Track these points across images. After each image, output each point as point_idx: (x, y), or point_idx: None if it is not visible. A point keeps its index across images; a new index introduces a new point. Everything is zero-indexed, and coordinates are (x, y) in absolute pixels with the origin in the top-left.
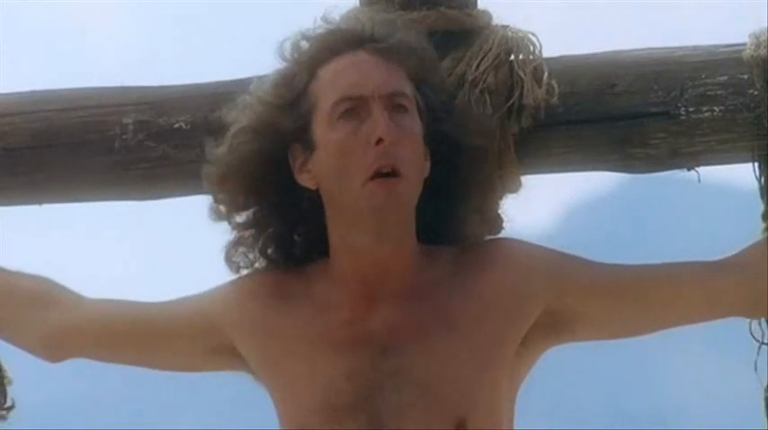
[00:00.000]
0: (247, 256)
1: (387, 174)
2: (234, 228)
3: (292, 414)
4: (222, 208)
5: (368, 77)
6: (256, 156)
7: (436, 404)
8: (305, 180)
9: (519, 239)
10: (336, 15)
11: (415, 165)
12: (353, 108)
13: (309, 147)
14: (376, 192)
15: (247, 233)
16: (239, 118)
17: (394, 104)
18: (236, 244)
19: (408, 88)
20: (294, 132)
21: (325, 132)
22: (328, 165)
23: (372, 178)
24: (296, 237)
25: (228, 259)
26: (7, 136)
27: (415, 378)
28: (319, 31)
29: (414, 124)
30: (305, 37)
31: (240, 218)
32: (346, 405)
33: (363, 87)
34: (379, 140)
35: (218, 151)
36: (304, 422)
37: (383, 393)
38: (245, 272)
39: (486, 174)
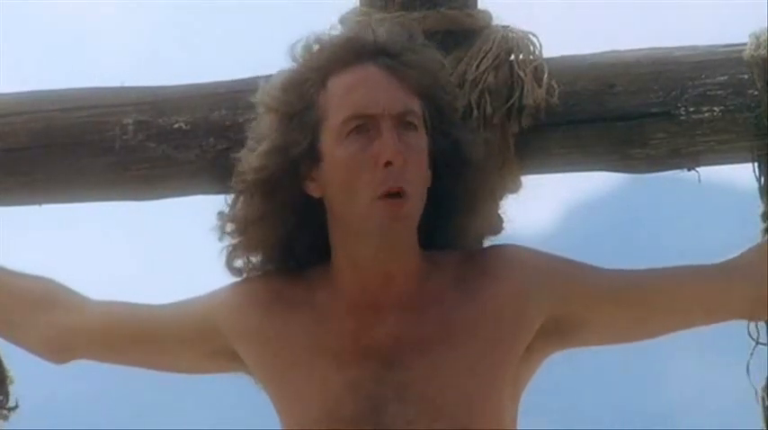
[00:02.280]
0: (249, 260)
1: (393, 194)
2: (233, 232)
3: (295, 423)
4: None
5: (378, 95)
6: (270, 179)
7: (441, 417)
8: (310, 188)
9: (522, 246)
10: (350, 20)
11: (420, 183)
12: (363, 125)
13: (316, 157)
14: (382, 213)
15: (247, 236)
16: (251, 138)
17: (403, 122)
18: (235, 247)
19: (417, 105)
20: (303, 145)
21: (333, 147)
22: (335, 179)
23: (379, 198)
24: (297, 241)
25: (229, 264)
26: (7, 136)
27: (419, 391)
28: (332, 36)
29: (421, 141)
30: (318, 41)
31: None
32: (350, 417)
33: (374, 106)
34: (388, 163)
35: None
36: None
37: (387, 406)
38: (246, 275)
39: (488, 186)
